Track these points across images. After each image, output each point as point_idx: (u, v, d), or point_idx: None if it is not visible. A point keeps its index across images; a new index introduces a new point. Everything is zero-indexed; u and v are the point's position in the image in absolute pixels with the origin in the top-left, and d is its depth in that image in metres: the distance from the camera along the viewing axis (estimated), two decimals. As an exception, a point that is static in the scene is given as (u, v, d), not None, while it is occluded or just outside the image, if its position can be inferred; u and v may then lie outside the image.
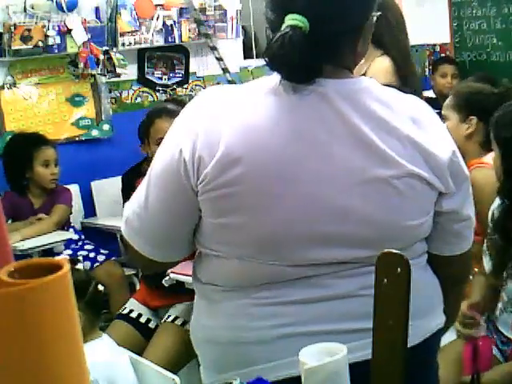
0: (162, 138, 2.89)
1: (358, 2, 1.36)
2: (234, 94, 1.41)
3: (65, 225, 4.16)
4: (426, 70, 5.92)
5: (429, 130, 1.40)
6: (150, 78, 4.96)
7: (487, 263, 2.43)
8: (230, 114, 1.35)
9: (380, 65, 3.61)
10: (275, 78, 1.36)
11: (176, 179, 1.37)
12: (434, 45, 5.88)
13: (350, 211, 1.35)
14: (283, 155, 1.32)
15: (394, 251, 1.23)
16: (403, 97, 1.44)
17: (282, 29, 1.28)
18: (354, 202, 1.34)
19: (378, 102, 1.37)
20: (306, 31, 1.28)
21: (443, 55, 5.75)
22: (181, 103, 3.17)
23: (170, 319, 2.91)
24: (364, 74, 3.56)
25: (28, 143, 4.07)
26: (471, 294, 2.42)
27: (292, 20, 1.28)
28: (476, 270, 2.49)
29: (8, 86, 4.38)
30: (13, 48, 4.22)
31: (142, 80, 4.94)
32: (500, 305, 2.36)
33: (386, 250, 1.23)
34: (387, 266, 1.21)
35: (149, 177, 1.43)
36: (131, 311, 3.01)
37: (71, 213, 4.22)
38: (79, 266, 3.92)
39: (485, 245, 2.47)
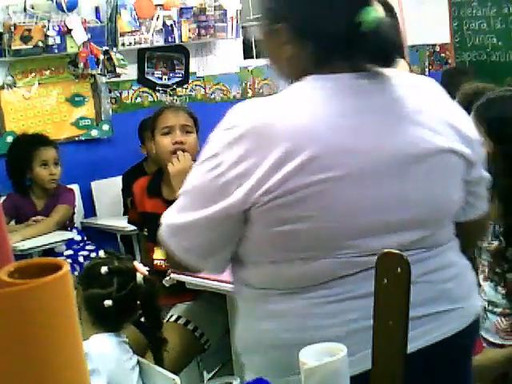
0: (168, 127, 2.94)
1: None
2: (272, 103, 1.40)
3: (68, 225, 4.15)
4: (426, 70, 5.92)
5: (452, 106, 1.52)
6: (149, 78, 4.96)
7: None
8: (278, 121, 1.35)
9: (404, 67, 3.76)
10: (303, 84, 1.40)
11: (216, 192, 1.37)
12: (434, 45, 5.87)
13: (403, 195, 1.39)
14: (342, 150, 1.35)
15: (394, 251, 1.23)
16: (420, 79, 1.56)
17: (373, 19, 1.35)
18: (404, 186, 1.39)
19: (405, 86, 1.46)
20: None
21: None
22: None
23: (172, 319, 2.90)
24: None
25: (28, 144, 4.07)
26: None
27: (375, 11, 1.36)
28: None
29: (8, 86, 4.38)
30: (13, 48, 4.22)
31: (142, 80, 4.94)
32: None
33: (386, 250, 1.23)
34: (387, 266, 1.21)
35: (189, 187, 1.44)
36: (132, 311, 3.01)
37: (74, 213, 4.22)
38: (76, 266, 3.91)
39: None
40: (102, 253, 2.22)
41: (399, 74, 1.50)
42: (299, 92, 1.40)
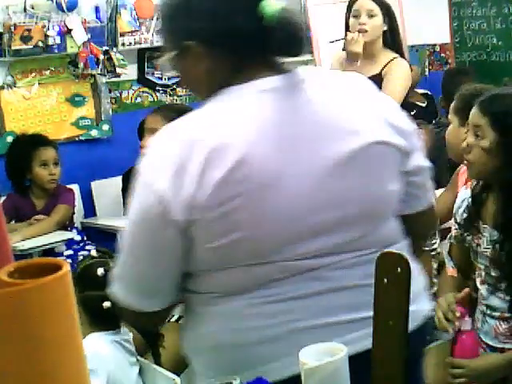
0: (157, 129, 2.93)
1: None
2: (189, 122, 1.41)
3: (68, 225, 4.16)
4: (426, 69, 5.92)
5: (381, 100, 1.51)
6: (149, 78, 4.95)
7: (451, 266, 2.42)
8: (198, 138, 1.35)
9: (406, 67, 3.75)
10: (220, 97, 1.39)
11: (156, 221, 1.36)
12: (434, 45, 5.87)
13: (338, 193, 1.38)
14: (267, 162, 1.34)
15: (394, 251, 1.23)
16: (346, 76, 1.56)
17: (273, 10, 1.34)
18: (340, 184, 1.38)
19: (327, 85, 1.46)
20: None
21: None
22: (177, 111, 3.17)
23: (173, 319, 2.90)
24: (379, 75, 3.59)
25: (27, 144, 4.07)
26: (441, 293, 2.37)
27: (272, 3, 1.35)
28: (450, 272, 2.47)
29: (8, 86, 4.38)
30: (13, 48, 4.22)
31: (142, 80, 4.93)
32: (478, 314, 2.29)
33: (386, 250, 1.23)
34: (387, 266, 1.21)
35: (128, 225, 1.43)
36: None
37: (74, 213, 4.22)
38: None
39: (446, 248, 2.44)
40: (94, 252, 2.20)
41: (321, 73, 1.50)
42: (216, 107, 1.40)
